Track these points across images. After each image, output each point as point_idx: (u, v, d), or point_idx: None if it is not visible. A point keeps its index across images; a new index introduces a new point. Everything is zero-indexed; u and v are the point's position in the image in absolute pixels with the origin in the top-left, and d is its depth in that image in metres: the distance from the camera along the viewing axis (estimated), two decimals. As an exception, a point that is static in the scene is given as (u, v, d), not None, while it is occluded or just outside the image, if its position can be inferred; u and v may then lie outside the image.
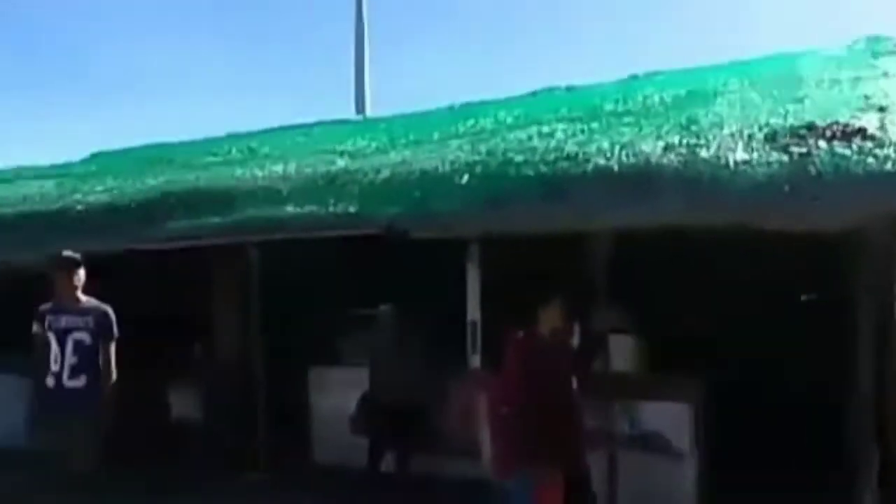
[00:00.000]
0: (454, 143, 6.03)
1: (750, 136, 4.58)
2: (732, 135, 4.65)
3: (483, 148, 5.70)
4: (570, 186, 4.72)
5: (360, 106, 10.89)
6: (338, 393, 6.48)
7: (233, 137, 8.41)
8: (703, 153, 4.53)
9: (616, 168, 4.69)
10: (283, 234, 5.84)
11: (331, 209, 5.61)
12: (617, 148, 4.88)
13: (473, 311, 6.21)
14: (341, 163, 6.22)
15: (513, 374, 4.18)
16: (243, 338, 6.70)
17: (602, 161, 4.77)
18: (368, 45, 11.75)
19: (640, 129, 5.15)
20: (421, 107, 7.78)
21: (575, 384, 4.28)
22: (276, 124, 8.67)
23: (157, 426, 7.05)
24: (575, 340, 4.61)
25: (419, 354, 6.07)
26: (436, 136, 6.42)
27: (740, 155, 4.39)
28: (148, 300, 6.83)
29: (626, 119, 5.59)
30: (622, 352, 5.36)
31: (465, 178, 5.31)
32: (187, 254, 6.48)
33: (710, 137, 4.70)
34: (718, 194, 4.28)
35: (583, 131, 5.45)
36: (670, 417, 5.29)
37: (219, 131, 8.84)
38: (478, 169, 5.39)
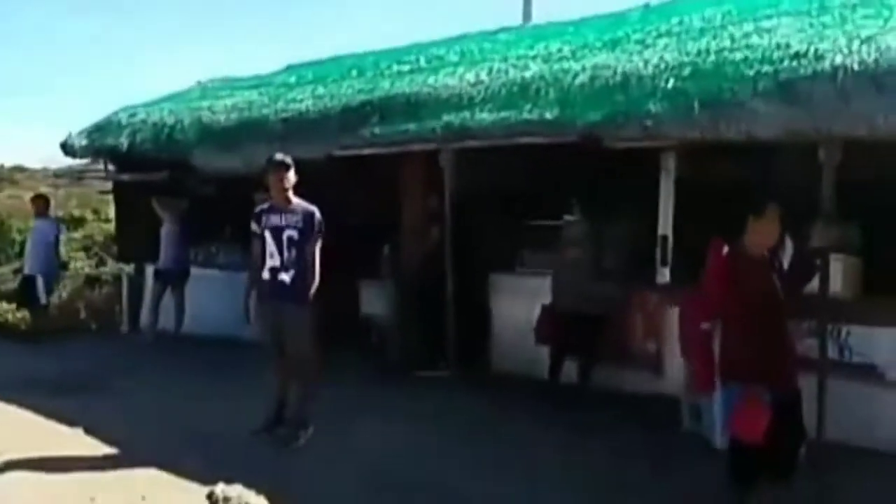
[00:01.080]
0: (659, 43, 5.58)
1: None
2: None
3: (692, 47, 5.23)
4: (801, 87, 4.21)
5: (527, 15, 10.38)
6: (520, 301, 6.51)
7: (418, 46, 8.37)
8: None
9: (856, 66, 4.11)
10: (477, 141, 5.78)
11: (526, 115, 5.45)
12: (856, 44, 4.27)
13: (665, 225, 5.91)
14: (535, 68, 5.97)
15: (715, 288, 3.89)
16: (432, 242, 6.84)
17: (839, 59, 4.20)
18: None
19: (885, 22, 4.46)
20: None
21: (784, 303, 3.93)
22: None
23: (349, 322, 7.48)
24: (787, 257, 4.22)
25: (606, 266, 5.92)
26: (635, 37, 5.98)
27: None
28: (342, 203, 7.11)
29: (863, 11, 4.87)
30: (841, 273, 4.86)
31: (672, 80, 4.92)
32: (380, 159, 6.64)
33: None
34: None
35: (811, 25, 4.82)
36: (886, 345, 4.82)
37: (389, 45, 8.88)
38: (686, 70, 4.96)
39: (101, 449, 4.73)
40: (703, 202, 5.42)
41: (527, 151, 5.74)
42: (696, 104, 4.61)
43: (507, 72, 6.13)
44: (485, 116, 5.71)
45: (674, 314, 5.34)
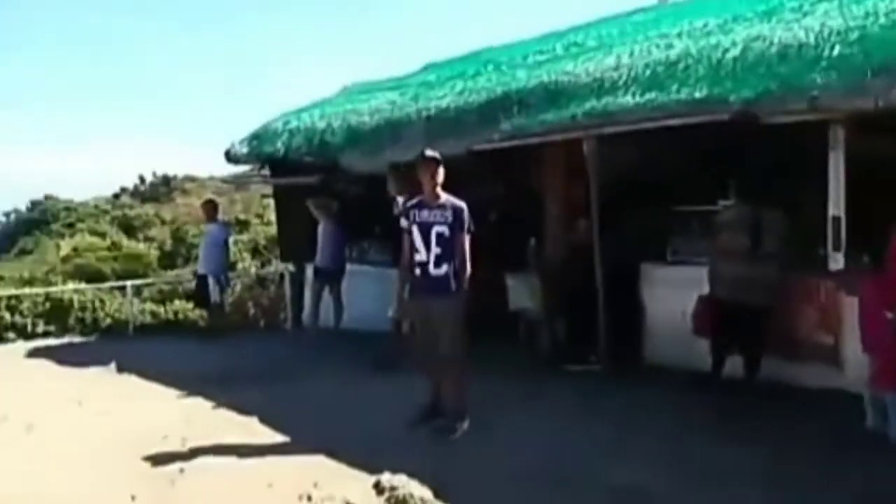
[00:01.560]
0: (818, 9, 5.12)
1: None
2: None
3: (857, 11, 4.76)
4: None
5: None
6: (674, 291, 6.23)
7: (553, 35, 8.23)
8: None
9: None
10: (621, 126, 5.60)
11: (673, 96, 5.20)
12: None
13: (836, 205, 5.41)
14: (681, 45, 5.68)
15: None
16: (578, 233, 6.70)
17: None
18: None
19: None
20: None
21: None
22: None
23: (497, 316, 7.49)
24: None
25: (766, 252, 5.51)
26: (790, 5, 5.52)
27: None
28: (485, 198, 7.13)
29: None
30: None
31: (838, 48, 4.51)
32: (521, 151, 6.60)
33: None
34: None
35: None
36: None
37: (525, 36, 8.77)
38: (853, 35, 4.53)
39: (274, 437, 5.03)
40: (877, 179, 4.93)
41: (674, 134, 5.48)
42: (868, 71, 4.18)
43: (649, 52, 5.89)
44: (628, 100, 5.51)
45: (852, 303, 4.89)
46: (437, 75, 8.77)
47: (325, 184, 8.77)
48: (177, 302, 12.25)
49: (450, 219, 4.84)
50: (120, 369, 7.45)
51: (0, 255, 40.28)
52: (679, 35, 5.94)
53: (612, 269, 6.28)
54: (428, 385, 5.11)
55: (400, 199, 6.37)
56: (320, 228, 8.73)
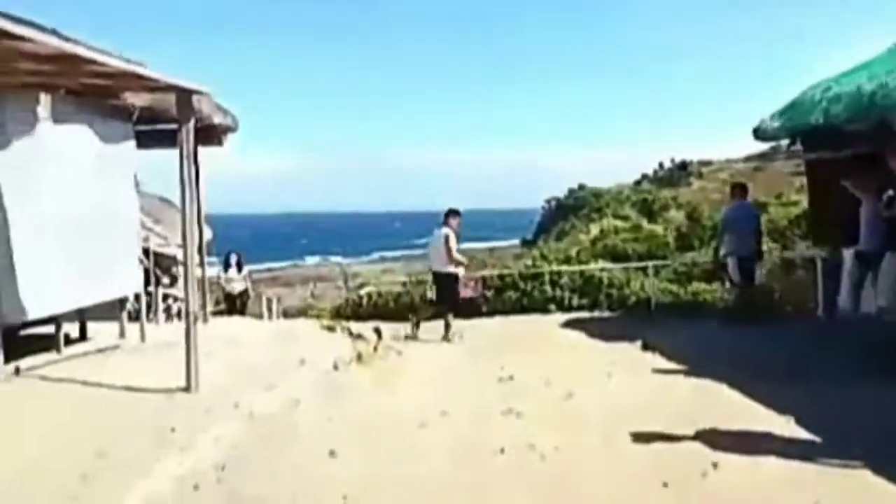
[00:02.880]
0: None
1: None
2: None
3: None
4: None
5: None
6: None
7: None
8: None
9: None
10: None
11: None
12: None
13: None
14: None
15: None
16: None
17: None
18: None
19: None
20: None
21: None
22: None
23: None
24: None
25: None
26: None
27: None
28: None
29: None
30: None
31: None
32: None
33: None
34: None
35: None
36: None
37: None
38: None
39: (810, 440, 4.44)
40: None
41: None
42: None
43: None
44: None
45: None
46: None
47: (866, 158, 7.38)
48: (695, 283, 12.09)
49: None
50: (645, 346, 7.59)
51: (542, 236, 46.71)
52: None
53: None
54: None
55: None
56: (862, 208, 7.44)
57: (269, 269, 45.40)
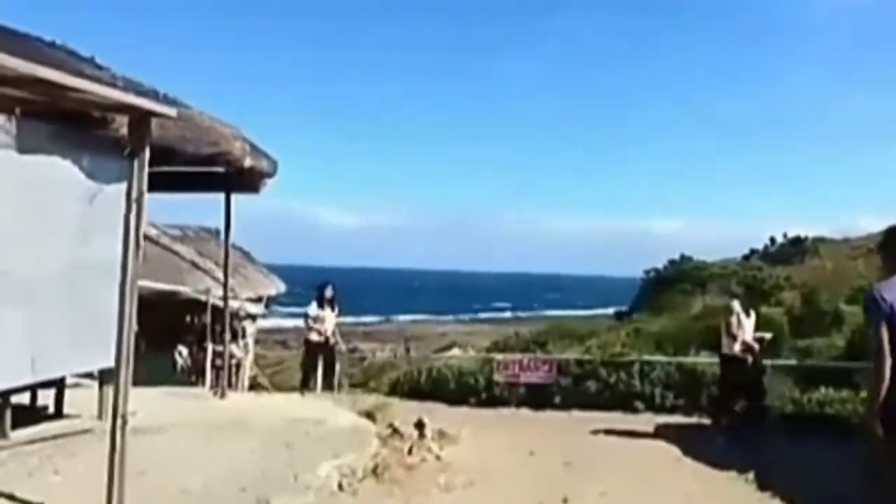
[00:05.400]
0: None
1: None
2: None
3: None
4: None
5: None
6: None
7: None
8: None
9: None
10: None
11: None
12: None
13: None
14: None
15: None
16: None
17: None
18: None
19: None
20: None
21: None
22: None
23: None
24: None
25: None
26: None
27: None
28: None
29: None
30: None
31: None
32: None
33: None
34: None
35: None
36: None
37: None
38: None
39: None
40: None
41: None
42: None
43: None
44: None
45: None
46: None
47: None
48: (821, 388, 9.24)
49: None
50: (761, 485, 5.49)
51: (639, 307, 43.61)
52: None
53: None
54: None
55: None
56: None
57: (362, 324, 44.74)
